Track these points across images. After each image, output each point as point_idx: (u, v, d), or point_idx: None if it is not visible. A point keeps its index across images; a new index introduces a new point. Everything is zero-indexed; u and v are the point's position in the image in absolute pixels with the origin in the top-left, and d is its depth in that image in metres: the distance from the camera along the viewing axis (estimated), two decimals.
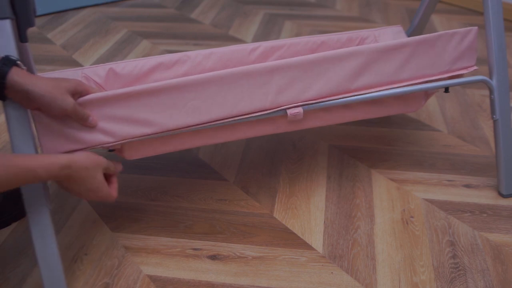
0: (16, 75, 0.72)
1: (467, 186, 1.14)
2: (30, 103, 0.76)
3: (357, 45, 1.20)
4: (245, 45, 1.12)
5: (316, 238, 1.00)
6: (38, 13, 2.22)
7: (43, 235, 0.80)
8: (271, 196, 1.12)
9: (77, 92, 0.81)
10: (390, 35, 1.22)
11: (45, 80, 0.75)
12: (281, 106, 0.91)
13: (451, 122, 1.38)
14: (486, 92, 1.54)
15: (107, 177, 0.86)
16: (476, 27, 1.02)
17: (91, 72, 1.03)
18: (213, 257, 0.96)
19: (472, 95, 1.52)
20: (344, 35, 1.19)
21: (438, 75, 0.99)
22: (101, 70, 1.03)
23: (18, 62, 0.74)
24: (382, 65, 0.95)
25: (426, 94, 1.06)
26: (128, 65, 1.05)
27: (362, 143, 1.30)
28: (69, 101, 0.77)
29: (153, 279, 0.91)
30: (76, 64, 1.76)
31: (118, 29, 2.08)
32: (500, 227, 1.02)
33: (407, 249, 0.97)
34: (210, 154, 1.27)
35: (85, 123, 0.82)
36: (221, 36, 2.00)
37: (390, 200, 1.10)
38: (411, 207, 1.08)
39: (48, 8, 2.23)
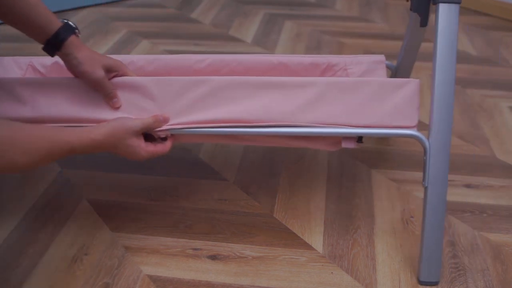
0: (71, 42, 0.84)
1: (467, 186, 1.14)
2: (72, 69, 0.87)
3: (323, 70, 1.07)
4: (192, 56, 1.06)
5: (316, 238, 1.00)
6: None
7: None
8: (271, 196, 1.11)
9: (112, 70, 0.88)
10: (365, 65, 1.06)
11: (88, 51, 0.86)
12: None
13: None
14: (486, 92, 1.54)
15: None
16: (417, 80, 0.87)
17: (37, 62, 1.06)
18: (213, 257, 0.96)
19: (472, 95, 1.52)
20: (308, 58, 1.07)
21: (356, 127, 0.86)
22: (47, 61, 1.06)
23: (76, 30, 0.86)
24: (279, 102, 0.87)
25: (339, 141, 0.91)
26: None
27: (362, 143, 1.30)
28: (98, 73, 0.85)
29: (153, 279, 0.91)
30: None
31: (118, 29, 2.08)
32: (500, 227, 1.02)
33: (407, 249, 0.97)
34: (210, 154, 1.26)
35: (109, 101, 0.88)
36: (221, 36, 2.00)
37: (390, 200, 1.10)
38: (411, 207, 1.08)
39: (48, 8, 2.23)
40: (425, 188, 0.85)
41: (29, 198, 1.11)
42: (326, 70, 1.08)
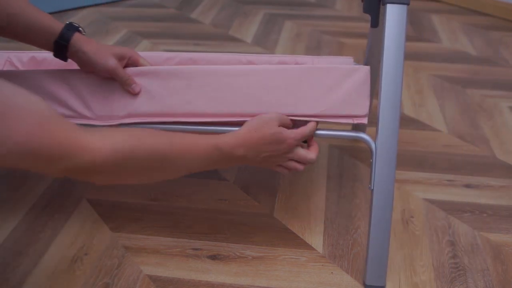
0: (77, 39, 0.84)
1: (467, 186, 1.14)
2: (84, 64, 0.87)
3: None
4: (162, 53, 1.07)
5: (316, 238, 1.00)
6: None
7: None
8: (271, 196, 1.12)
9: (124, 58, 0.89)
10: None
11: (95, 43, 0.86)
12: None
13: (451, 122, 1.38)
14: (486, 92, 1.54)
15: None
16: (367, 67, 0.86)
17: (14, 57, 1.07)
18: (213, 257, 0.96)
19: (472, 95, 1.52)
20: (276, 58, 1.05)
21: (303, 117, 0.84)
22: (24, 56, 1.07)
23: (80, 28, 0.86)
24: (223, 92, 0.86)
25: None
26: (48, 57, 1.07)
27: (362, 143, 1.30)
28: (111, 62, 0.85)
29: (153, 279, 0.91)
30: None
31: (118, 29, 2.08)
32: (500, 227, 1.02)
33: (407, 249, 0.97)
34: None
35: (127, 87, 0.87)
36: (221, 36, 2.00)
37: None
38: (411, 207, 1.08)
39: (48, 8, 2.23)
40: (372, 191, 0.83)
41: (29, 198, 1.11)
42: None
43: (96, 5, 2.36)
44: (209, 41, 1.96)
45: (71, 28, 0.84)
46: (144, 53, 1.05)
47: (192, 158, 0.73)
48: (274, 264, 0.94)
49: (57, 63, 1.07)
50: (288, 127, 0.82)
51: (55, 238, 1.00)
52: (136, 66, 0.92)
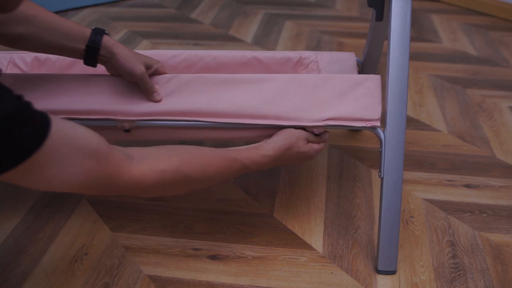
0: (106, 41, 0.86)
1: (467, 186, 1.14)
2: (111, 66, 0.88)
3: (295, 65, 1.09)
4: (167, 51, 1.09)
5: (316, 238, 1.00)
6: None
7: None
8: (271, 196, 1.12)
9: (150, 67, 0.91)
10: (336, 61, 1.08)
11: (126, 48, 0.88)
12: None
13: (451, 122, 1.38)
14: (486, 92, 1.54)
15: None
16: (378, 76, 0.90)
17: (17, 58, 1.07)
18: (213, 257, 0.96)
19: (472, 95, 1.52)
20: (280, 53, 1.09)
21: (317, 121, 0.87)
22: (27, 57, 1.07)
23: (106, 32, 0.88)
24: (243, 97, 0.89)
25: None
26: (52, 57, 1.07)
27: (362, 143, 1.30)
28: (139, 68, 0.87)
29: (153, 279, 0.91)
30: None
31: (118, 29, 2.08)
32: (500, 227, 1.02)
33: (407, 249, 0.97)
34: None
35: (150, 95, 0.90)
36: (221, 36, 2.00)
37: None
38: (411, 207, 1.08)
39: (48, 8, 2.23)
40: (381, 179, 0.87)
41: (29, 198, 1.11)
42: (298, 65, 1.09)
43: (96, 5, 2.36)
44: (209, 41, 1.96)
45: (99, 32, 0.86)
46: (148, 51, 1.06)
47: (227, 173, 0.81)
48: (274, 264, 0.94)
49: (61, 63, 1.07)
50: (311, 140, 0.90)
51: (55, 238, 1.00)
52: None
